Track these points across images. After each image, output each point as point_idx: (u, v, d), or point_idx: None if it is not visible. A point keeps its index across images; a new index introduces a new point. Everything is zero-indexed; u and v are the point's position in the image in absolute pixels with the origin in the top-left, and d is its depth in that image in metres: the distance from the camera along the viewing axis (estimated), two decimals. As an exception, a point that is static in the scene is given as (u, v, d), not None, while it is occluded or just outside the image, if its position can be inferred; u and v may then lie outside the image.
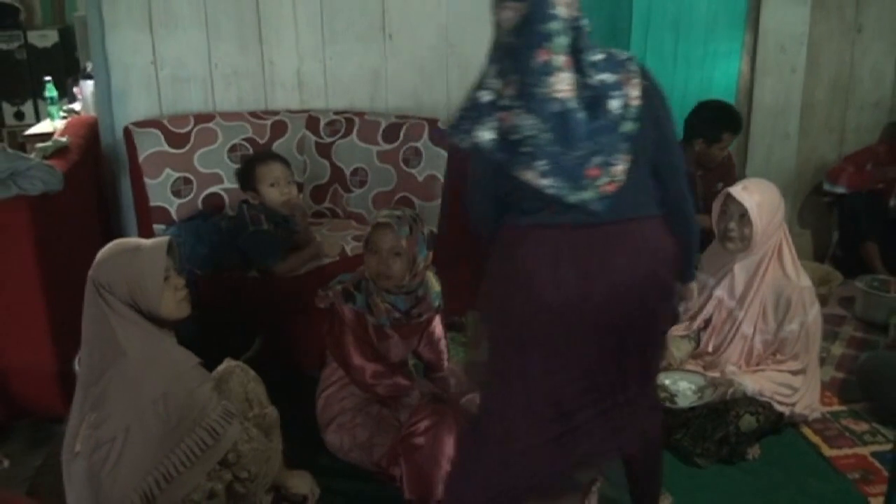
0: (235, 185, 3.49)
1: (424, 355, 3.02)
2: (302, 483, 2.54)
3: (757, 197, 2.91)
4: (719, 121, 3.83)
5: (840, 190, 4.38)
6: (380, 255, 2.73)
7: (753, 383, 2.92)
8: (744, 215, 2.90)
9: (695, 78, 4.31)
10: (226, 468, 2.22)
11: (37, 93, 5.87)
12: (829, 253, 4.46)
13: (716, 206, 3.02)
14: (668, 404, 2.88)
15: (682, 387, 2.97)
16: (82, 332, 2.21)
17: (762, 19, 4.22)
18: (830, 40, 4.41)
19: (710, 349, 3.13)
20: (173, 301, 2.23)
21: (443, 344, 3.03)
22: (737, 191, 2.92)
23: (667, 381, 2.97)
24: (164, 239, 2.28)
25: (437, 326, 3.00)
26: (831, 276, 4.09)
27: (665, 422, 2.49)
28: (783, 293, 2.97)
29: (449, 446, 2.55)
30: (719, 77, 4.32)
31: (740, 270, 3.03)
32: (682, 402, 2.91)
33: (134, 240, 2.35)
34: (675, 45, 4.29)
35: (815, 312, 3.00)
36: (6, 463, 2.77)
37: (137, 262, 2.18)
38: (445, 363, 3.06)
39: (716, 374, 3.00)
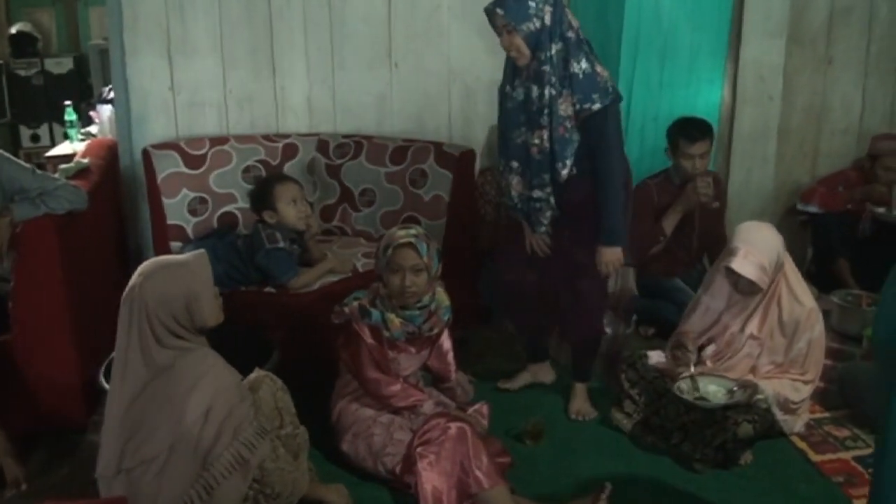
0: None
1: (433, 367, 2.96)
2: (339, 497, 2.48)
3: (755, 259, 2.83)
4: (674, 130, 3.76)
5: (812, 209, 4.37)
6: (403, 273, 2.67)
7: (772, 388, 2.87)
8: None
9: (679, 104, 4.26)
10: (253, 481, 2.15)
11: (52, 117, 5.81)
12: (804, 269, 4.44)
13: (720, 278, 2.99)
14: (701, 404, 2.82)
15: (711, 389, 2.89)
16: (117, 351, 2.13)
17: (742, 50, 4.22)
18: (804, 71, 4.42)
19: (708, 364, 3.06)
20: (216, 308, 2.19)
21: (451, 356, 2.97)
22: (738, 264, 2.83)
23: (692, 385, 2.90)
24: (202, 251, 2.23)
25: (446, 340, 2.94)
26: (806, 290, 4.06)
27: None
28: (792, 314, 2.93)
29: (460, 454, 2.49)
30: (702, 104, 4.28)
31: (748, 299, 2.99)
32: (715, 401, 2.83)
33: (172, 256, 2.30)
34: (661, 72, 4.24)
35: (819, 329, 2.97)
36: (24, 486, 2.67)
37: (190, 275, 2.13)
38: (453, 374, 2.99)
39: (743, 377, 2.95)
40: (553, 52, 2.70)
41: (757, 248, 2.85)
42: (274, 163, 3.74)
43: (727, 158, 4.38)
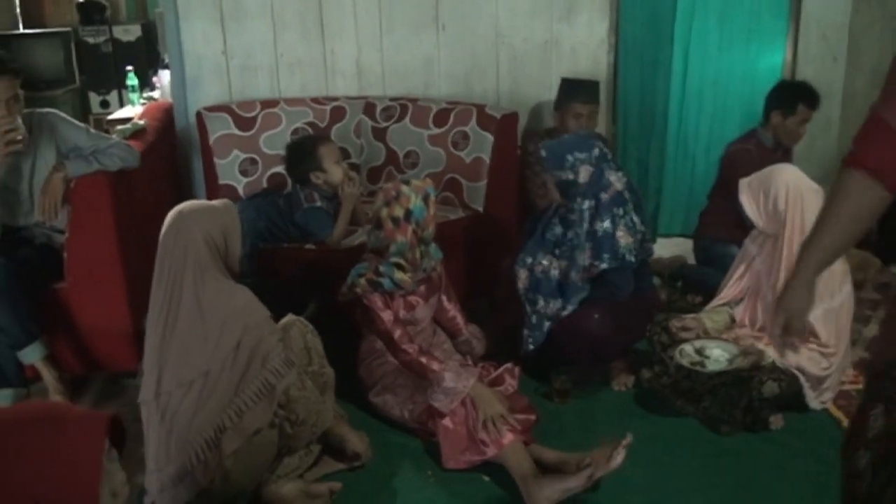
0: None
1: (444, 326, 3.20)
2: (360, 442, 2.72)
3: (755, 188, 3.02)
4: (794, 92, 3.82)
5: None
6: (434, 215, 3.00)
7: (782, 357, 2.93)
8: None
9: (738, 66, 4.31)
10: (279, 407, 2.42)
11: (121, 83, 6.15)
12: (870, 240, 4.43)
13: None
14: (699, 368, 2.93)
15: (715, 353, 3.00)
16: (155, 284, 2.42)
17: (804, 8, 4.22)
18: (871, 29, 4.37)
19: (745, 322, 3.16)
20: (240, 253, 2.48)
21: (454, 313, 3.22)
22: (742, 193, 3.06)
23: (700, 346, 3.01)
24: (227, 200, 2.52)
25: (450, 303, 3.21)
26: (869, 262, 4.08)
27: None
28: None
29: (471, 417, 2.68)
30: (763, 65, 4.30)
31: (774, 248, 3.06)
32: (712, 367, 2.94)
33: (202, 201, 2.60)
34: (720, 32, 4.29)
35: (843, 296, 3.01)
36: None
37: (225, 213, 2.46)
38: (464, 329, 3.24)
39: (747, 344, 3.01)
40: (585, 207, 3.06)
41: (759, 180, 3.02)
42: (322, 125, 3.98)
43: (788, 122, 4.39)
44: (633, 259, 3.06)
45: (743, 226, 3.83)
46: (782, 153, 3.85)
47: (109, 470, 1.41)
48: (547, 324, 3.12)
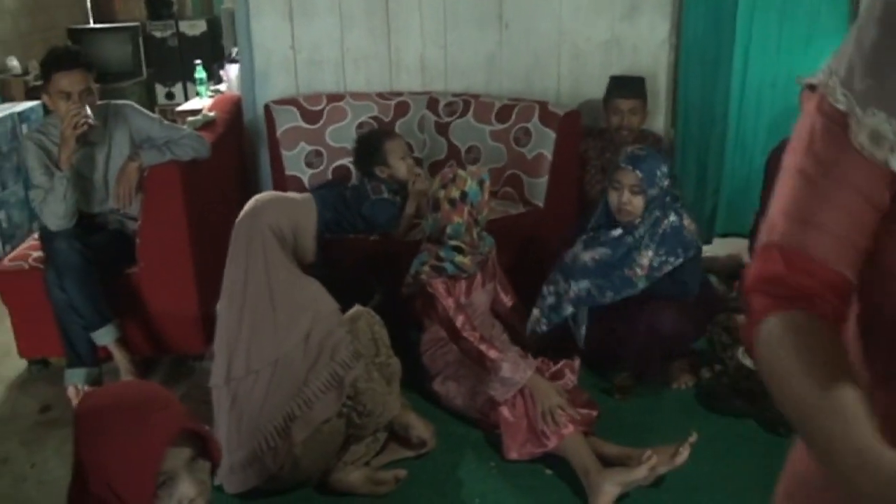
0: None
1: (502, 314, 3.20)
2: (425, 429, 2.70)
3: None
4: None
5: None
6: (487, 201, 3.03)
7: None
8: None
9: (799, 64, 4.19)
10: (347, 398, 2.40)
11: (186, 76, 6.23)
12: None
13: None
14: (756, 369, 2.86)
15: None
16: (227, 272, 2.41)
17: (861, 10, 4.11)
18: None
19: None
20: (313, 247, 2.46)
21: (513, 299, 3.22)
22: None
23: None
24: (308, 195, 2.51)
25: (506, 296, 3.21)
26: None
27: None
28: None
29: (531, 408, 2.65)
30: (824, 63, 4.21)
31: None
32: None
33: (283, 192, 2.60)
34: (780, 34, 4.18)
35: None
36: None
37: (300, 206, 2.44)
38: (524, 314, 3.19)
39: None
40: (657, 211, 2.95)
41: None
42: (386, 119, 3.96)
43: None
44: (701, 244, 3.02)
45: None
46: None
47: (182, 479, 1.30)
48: (569, 308, 3.01)
